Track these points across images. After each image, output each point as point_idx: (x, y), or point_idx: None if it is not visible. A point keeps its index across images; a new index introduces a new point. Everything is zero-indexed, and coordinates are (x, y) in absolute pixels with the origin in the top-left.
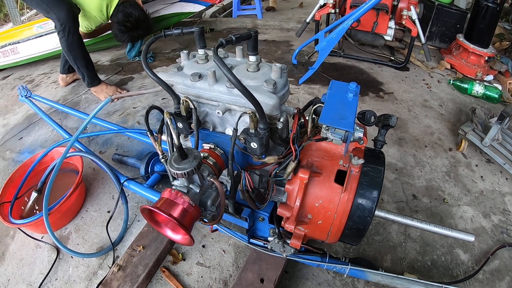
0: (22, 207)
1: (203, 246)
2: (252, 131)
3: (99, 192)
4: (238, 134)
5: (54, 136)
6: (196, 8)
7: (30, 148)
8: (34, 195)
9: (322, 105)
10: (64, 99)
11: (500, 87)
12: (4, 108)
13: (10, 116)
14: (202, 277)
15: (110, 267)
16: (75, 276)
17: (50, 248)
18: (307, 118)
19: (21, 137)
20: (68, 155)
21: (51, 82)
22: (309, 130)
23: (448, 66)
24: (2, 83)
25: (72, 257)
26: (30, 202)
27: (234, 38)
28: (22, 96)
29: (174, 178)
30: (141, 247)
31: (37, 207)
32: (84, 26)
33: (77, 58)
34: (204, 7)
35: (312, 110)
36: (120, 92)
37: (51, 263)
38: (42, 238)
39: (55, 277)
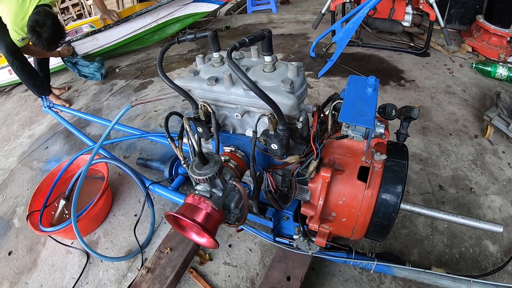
0: (53, 212)
1: (230, 246)
2: (271, 132)
3: (125, 196)
4: (258, 135)
5: (79, 144)
6: (210, 7)
7: (56, 157)
8: (62, 202)
9: (342, 101)
10: (86, 107)
11: None
12: (29, 119)
13: (35, 127)
14: (229, 276)
15: (139, 270)
16: (105, 279)
17: (80, 253)
18: (327, 113)
19: (47, 147)
20: (93, 162)
21: (72, 91)
22: (329, 127)
23: (470, 49)
24: (25, 95)
25: (102, 261)
26: (59, 210)
27: (247, 40)
28: (45, 107)
29: (197, 183)
30: (168, 249)
31: (67, 211)
32: (15, 38)
33: (25, 80)
34: (218, 5)
35: (332, 107)
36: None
37: (82, 268)
38: (72, 243)
39: (86, 281)
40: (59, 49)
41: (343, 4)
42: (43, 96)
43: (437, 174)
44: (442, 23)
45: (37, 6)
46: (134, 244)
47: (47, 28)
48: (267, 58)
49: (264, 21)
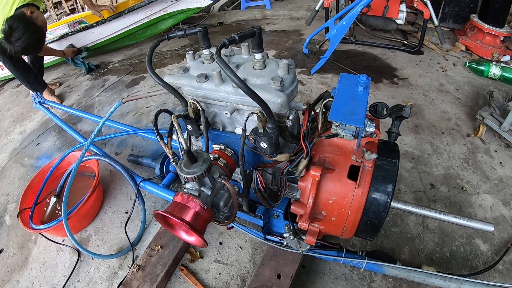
0: (45, 208)
1: (220, 243)
2: (261, 131)
3: (116, 193)
4: (247, 134)
5: (71, 140)
6: (204, 3)
7: (48, 153)
8: (53, 199)
9: (332, 99)
10: (78, 103)
11: None
12: (20, 115)
13: (26, 123)
14: (220, 274)
15: (130, 267)
16: (96, 277)
17: (71, 251)
18: (318, 111)
19: (38, 143)
20: (84, 159)
21: (64, 86)
22: (320, 125)
23: (463, 48)
24: (17, 91)
25: (93, 259)
26: (50, 207)
27: (237, 38)
28: (36, 103)
29: (186, 182)
30: (159, 246)
31: (59, 207)
32: None
33: (18, 77)
34: (212, 1)
35: (322, 105)
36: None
37: (73, 265)
38: (63, 241)
39: (77, 278)
40: (63, 49)
41: (337, 1)
42: (34, 92)
43: (429, 172)
44: (436, 22)
45: (19, 7)
46: (125, 242)
47: (19, 37)
48: (257, 56)
49: (257, 17)
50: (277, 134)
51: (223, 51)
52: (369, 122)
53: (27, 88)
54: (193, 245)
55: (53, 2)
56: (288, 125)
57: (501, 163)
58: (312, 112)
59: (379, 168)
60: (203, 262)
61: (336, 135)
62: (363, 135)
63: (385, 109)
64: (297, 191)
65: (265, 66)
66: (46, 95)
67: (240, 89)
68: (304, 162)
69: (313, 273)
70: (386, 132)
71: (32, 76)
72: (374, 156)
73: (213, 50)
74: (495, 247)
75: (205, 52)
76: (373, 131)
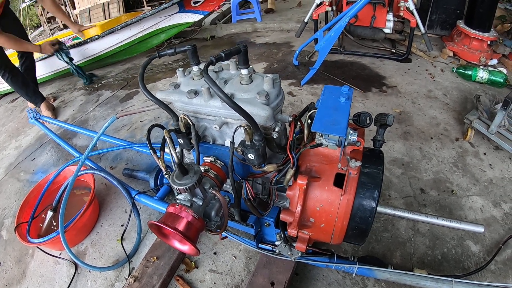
0: (41, 224)
1: (215, 253)
2: (248, 143)
3: (112, 206)
4: (236, 146)
5: (66, 155)
6: (195, 18)
7: (43, 168)
8: (50, 214)
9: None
10: (72, 118)
11: (505, 71)
12: (15, 130)
13: (21, 138)
14: (215, 283)
15: (126, 279)
16: None
17: (68, 264)
18: (304, 123)
19: (34, 158)
20: (79, 173)
21: (59, 102)
22: (305, 136)
23: (451, 54)
24: (12, 106)
25: (90, 271)
26: (47, 221)
27: (223, 55)
28: (31, 119)
29: (178, 193)
30: (155, 258)
31: (54, 223)
32: None
33: (17, 90)
34: (203, 15)
35: (308, 116)
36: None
37: (70, 278)
38: (60, 254)
39: None
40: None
41: (326, 12)
42: (29, 108)
43: (419, 177)
44: (422, 29)
45: None
46: (121, 254)
47: None
48: (244, 71)
49: (248, 30)
50: (263, 146)
51: (211, 67)
52: (351, 131)
53: (27, 101)
54: (186, 253)
55: (47, 17)
56: (275, 137)
57: (490, 165)
58: (299, 123)
59: (364, 174)
60: (198, 272)
61: (320, 144)
62: (346, 144)
63: (368, 118)
64: (286, 200)
65: (252, 81)
66: (43, 109)
67: (226, 104)
68: (291, 172)
69: (306, 280)
70: (371, 140)
71: (30, 89)
72: (358, 163)
73: (202, 66)
74: (487, 247)
75: (195, 68)
76: (356, 139)
